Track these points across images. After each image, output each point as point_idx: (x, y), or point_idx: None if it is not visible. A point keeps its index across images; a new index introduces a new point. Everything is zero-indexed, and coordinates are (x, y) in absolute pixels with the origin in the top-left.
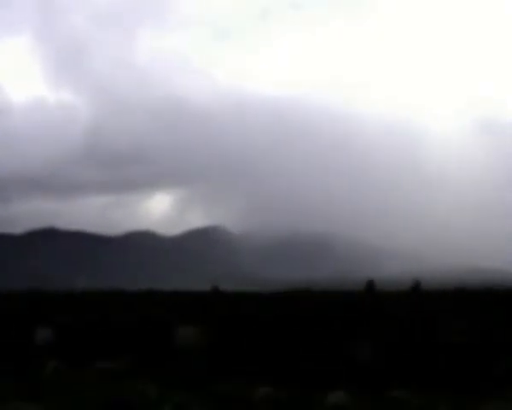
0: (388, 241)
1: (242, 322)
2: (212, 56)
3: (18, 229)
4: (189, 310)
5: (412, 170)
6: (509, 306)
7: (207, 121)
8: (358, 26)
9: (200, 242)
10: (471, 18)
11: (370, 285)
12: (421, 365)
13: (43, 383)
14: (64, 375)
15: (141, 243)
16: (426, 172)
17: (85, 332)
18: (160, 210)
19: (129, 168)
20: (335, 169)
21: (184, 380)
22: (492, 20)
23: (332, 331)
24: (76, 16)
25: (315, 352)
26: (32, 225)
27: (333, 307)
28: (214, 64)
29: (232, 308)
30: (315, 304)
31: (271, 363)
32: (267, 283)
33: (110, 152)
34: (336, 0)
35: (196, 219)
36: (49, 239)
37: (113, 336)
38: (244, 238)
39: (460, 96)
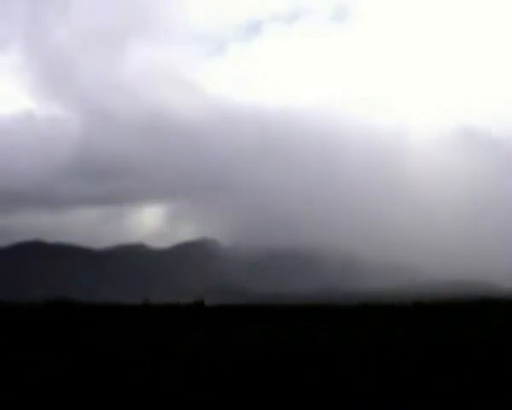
0: (376, 254)
1: None
2: (201, 71)
3: (4, 242)
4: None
5: (399, 183)
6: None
7: (197, 136)
8: (344, 41)
9: (189, 255)
10: (450, 32)
11: None
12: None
13: None
14: None
15: (130, 256)
16: (412, 184)
17: None
18: (149, 224)
19: (118, 182)
20: (324, 183)
21: None
22: (473, 33)
23: None
24: (65, 31)
25: None
26: (19, 238)
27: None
28: (203, 79)
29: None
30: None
31: None
32: (255, 296)
33: (99, 166)
34: (324, 16)
35: (186, 232)
36: (35, 252)
37: None
38: (234, 251)
39: (443, 107)
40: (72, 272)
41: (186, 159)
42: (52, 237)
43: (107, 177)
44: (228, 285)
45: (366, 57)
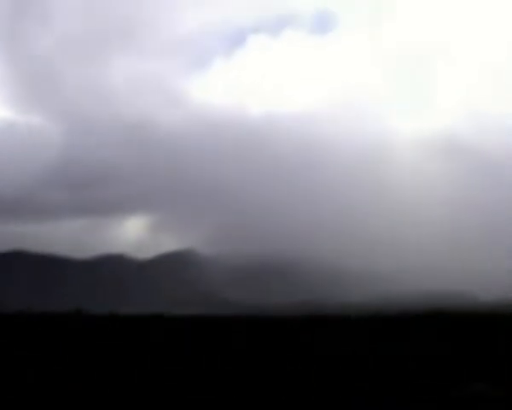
0: (360, 264)
1: None
2: (185, 81)
3: None
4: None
5: (383, 193)
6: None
7: (179, 147)
8: (328, 50)
9: (171, 265)
10: (435, 36)
11: None
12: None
13: None
14: None
15: (112, 267)
16: (395, 194)
17: None
18: (131, 234)
19: (100, 192)
20: (306, 193)
21: None
22: (459, 40)
23: None
24: (48, 40)
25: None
26: (1, 248)
27: None
28: (186, 89)
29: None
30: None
31: None
32: (235, 306)
33: (81, 176)
34: (310, 26)
35: (168, 242)
36: (17, 262)
37: None
38: (216, 261)
39: (425, 120)
40: (54, 282)
41: (169, 169)
42: (34, 246)
43: (89, 187)
44: (209, 295)
45: (349, 64)
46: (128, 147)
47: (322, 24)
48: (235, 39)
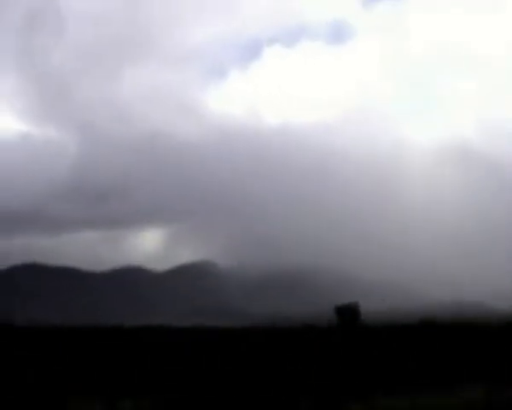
0: (375, 273)
1: None
2: (199, 92)
3: (2, 264)
4: None
5: (395, 203)
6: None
7: (194, 157)
8: (342, 60)
9: (189, 277)
10: (448, 49)
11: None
12: None
13: None
14: None
15: (130, 279)
16: (408, 204)
17: None
18: (148, 246)
19: (116, 204)
20: (320, 203)
21: None
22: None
23: None
24: (61, 53)
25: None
26: (17, 260)
27: None
28: (201, 100)
29: None
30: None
31: None
32: (254, 317)
33: (97, 188)
34: (325, 36)
35: (185, 254)
36: (34, 274)
37: None
38: (233, 273)
39: (439, 123)
40: (71, 295)
41: (185, 180)
42: (51, 259)
43: (105, 199)
44: (227, 307)
45: (363, 75)
46: (143, 158)
47: (338, 34)
48: (251, 50)
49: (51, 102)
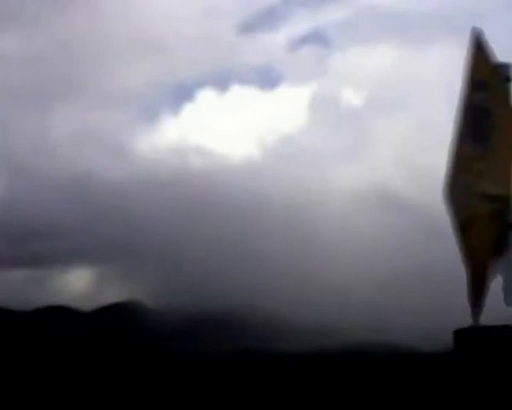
0: (302, 314)
1: None
2: (128, 134)
3: None
4: None
5: (317, 240)
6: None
7: (123, 199)
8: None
9: (115, 316)
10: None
11: None
12: None
13: None
14: None
15: (54, 319)
16: (329, 244)
17: None
18: (74, 286)
19: (42, 244)
20: (247, 245)
21: None
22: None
23: None
24: None
25: None
26: None
27: None
28: (131, 143)
29: None
30: None
31: None
32: (178, 356)
33: (23, 227)
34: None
35: (112, 294)
36: None
37: None
38: (158, 313)
39: (361, 173)
40: None
41: (113, 221)
42: None
43: (31, 238)
44: (153, 346)
45: (290, 117)
46: (71, 199)
47: (267, 79)
48: (182, 93)
49: None
